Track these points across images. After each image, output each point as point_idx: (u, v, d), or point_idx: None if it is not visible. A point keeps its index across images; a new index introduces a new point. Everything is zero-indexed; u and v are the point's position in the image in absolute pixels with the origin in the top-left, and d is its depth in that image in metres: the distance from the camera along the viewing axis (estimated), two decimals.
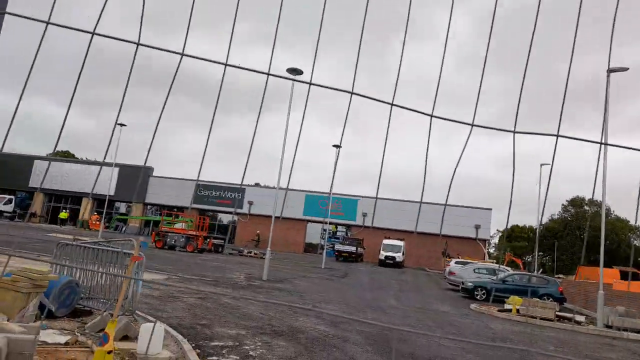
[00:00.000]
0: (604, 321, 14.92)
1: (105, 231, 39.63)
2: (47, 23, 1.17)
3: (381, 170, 1.41)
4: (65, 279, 8.18)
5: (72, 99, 1.25)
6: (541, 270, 45.95)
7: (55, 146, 1.25)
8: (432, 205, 43.33)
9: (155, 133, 1.29)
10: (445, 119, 1.34)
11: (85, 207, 50.62)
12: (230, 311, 10.20)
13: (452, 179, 1.44)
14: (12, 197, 47.31)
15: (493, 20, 1.25)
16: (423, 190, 1.46)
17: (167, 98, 1.26)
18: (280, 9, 1.27)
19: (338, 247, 40.60)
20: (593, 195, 1.40)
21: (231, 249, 36.15)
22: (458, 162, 1.45)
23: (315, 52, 1.35)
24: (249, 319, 9.67)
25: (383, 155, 1.39)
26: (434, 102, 1.35)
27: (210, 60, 1.26)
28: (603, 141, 1.42)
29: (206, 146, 1.35)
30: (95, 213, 48.44)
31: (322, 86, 1.30)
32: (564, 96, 1.38)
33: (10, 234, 25.70)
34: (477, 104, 1.39)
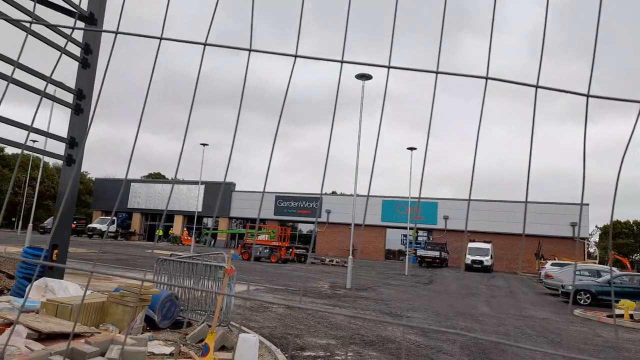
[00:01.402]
0: None
1: (197, 245, 42.08)
2: (116, 33, 1.19)
3: (473, 170, 1.29)
4: (166, 292, 8.72)
5: (139, 124, 1.27)
6: None
7: (127, 169, 1.27)
8: (521, 204, 40.97)
9: (232, 149, 1.28)
10: (553, 89, 1.11)
11: (177, 224, 54.19)
12: (318, 320, 10.26)
13: (584, 172, 1.27)
14: (115, 218, 51.99)
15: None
16: (528, 188, 1.31)
17: (239, 112, 1.24)
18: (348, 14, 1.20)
19: (421, 252, 39.59)
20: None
21: (313, 258, 36.65)
22: (584, 146, 1.28)
23: (392, 39, 1.26)
24: (338, 328, 9.66)
25: (476, 147, 1.27)
26: (539, 71, 1.17)
27: (279, 53, 1.22)
28: None
29: (271, 157, 1.31)
30: (186, 229, 51.67)
31: (402, 68, 1.19)
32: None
33: (115, 252, 28.07)
34: (592, 68, 1.18)
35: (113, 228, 50.89)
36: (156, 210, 55.31)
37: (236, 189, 53.72)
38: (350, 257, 19.34)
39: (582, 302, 18.15)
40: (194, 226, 39.20)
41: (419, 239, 47.04)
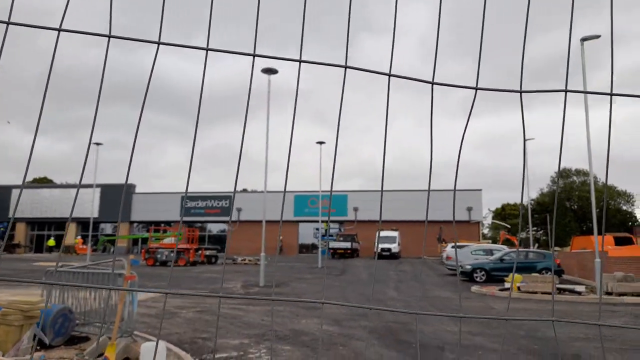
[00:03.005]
0: (604, 288, 15.03)
1: (93, 254, 38.94)
2: (8, 23, 1.01)
3: (384, 164, 1.27)
4: (57, 307, 7.92)
5: (39, 121, 1.08)
6: (537, 245, 46.42)
7: (25, 174, 1.08)
8: (422, 193, 43.54)
9: (133, 148, 1.13)
10: (447, 84, 1.20)
11: (69, 232, 49.72)
12: (230, 321, 10.00)
13: (459, 157, 1.30)
14: None
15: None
16: (430, 177, 1.33)
17: (142, 109, 1.10)
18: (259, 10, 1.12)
19: (332, 244, 40.46)
20: (609, 138, 1.29)
21: (225, 258, 35.82)
22: (463, 135, 1.32)
23: (302, 34, 1.20)
24: (251, 327, 9.48)
25: (385, 141, 1.25)
26: (434, 69, 1.22)
27: (190, 47, 1.11)
28: (611, 92, 1.32)
29: (192, 156, 1.19)
30: (80, 237, 47.58)
31: (314, 62, 1.17)
32: (568, 53, 1.26)
33: None
34: (479, 65, 1.26)
35: None
36: (44, 219, 50.26)
37: (137, 191, 50.70)
38: (263, 254, 19.16)
39: (478, 279, 19.74)
40: (90, 233, 36.33)
41: (331, 231, 48.08)
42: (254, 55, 1.16)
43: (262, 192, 38.04)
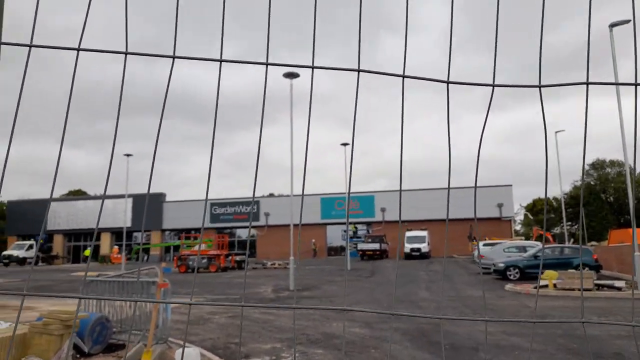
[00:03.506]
0: None
1: (128, 263, 39.96)
2: (30, 46, 1.06)
3: (400, 162, 1.26)
4: (94, 315, 8.15)
5: (63, 136, 1.13)
6: (572, 240, 45.05)
7: (52, 187, 1.13)
8: (451, 190, 42.80)
9: (154, 157, 1.16)
10: (462, 83, 1.18)
11: (104, 242, 51.18)
12: (262, 326, 10.08)
13: (478, 154, 1.29)
14: (33, 242, 47.89)
15: None
16: (450, 175, 1.31)
17: (161, 120, 1.13)
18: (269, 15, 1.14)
19: (361, 246, 40.27)
20: (635, 133, 1.24)
21: (255, 263, 36.16)
22: (482, 131, 1.30)
23: (314, 42, 1.21)
24: (283, 331, 9.53)
25: (402, 142, 1.24)
26: (449, 68, 1.21)
27: (204, 59, 1.13)
28: (637, 82, 1.26)
29: (210, 163, 1.21)
30: (115, 246, 48.87)
31: (325, 68, 1.17)
32: (588, 43, 1.22)
33: (36, 278, 26.01)
34: (495, 63, 1.24)
35: (32, 253, 46.90)
36: (80, 230, 51.85)
37: (167, 200, 51.73)
38: (292, 257, 19.25)
39: (511, 277, 19.28)
40: (124, 242, 37.26)
41: (359, 232, 47.89)
42: (267, 64, 1.17)
43: (288, 196, 38.35)
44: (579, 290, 10.07)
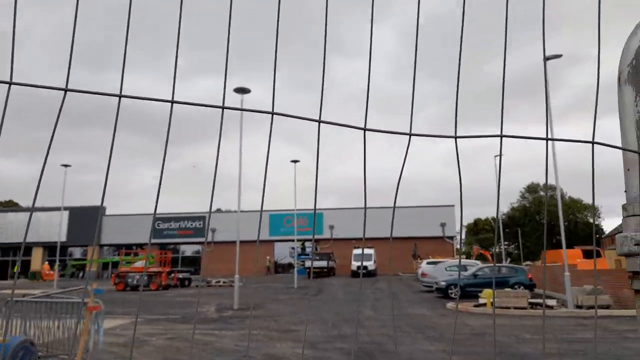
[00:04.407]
0: (574, 302, 15.32)
1: (61, 280, 37.53)
2: (10, 83, 0.98)
3: (365, 183, 1.24)
4: (17, 339, 7.54)
5: None
6: (509, 259, 47.23)
7: None
8: (397, 210, 43.80)
9: (108, 171, 1.08)
10: (425, 135, 1.20)
11: (35, 257, 47.90)
12: (202, 348, 9.72)
13: (398, 184, 1.31)
14: None
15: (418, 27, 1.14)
16: (396, 197, 1.31)
17: (113, 138, 1.06)
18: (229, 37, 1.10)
19: (308, 263, 40.15)
20: (547, 182, 1.30)
21: (199, 280, 35.08)
22: (401, 173, 1.32)
23: (275, 69, 1.19)
24: (224, 353, 9.23)
25: (365, 191, 1.23)
26: (411, 120, 1.24)
27: (154, 99, 1.07)
28: (548, 137, 1.33)
29: (160, 178, 1.14)
30: (47, 262, 45.86)
31: (286, 115, 1.16)
32: (503, 94, 1.28)
33: None
34: (412, 114, 1.28)
35: None
36: (9, 244, 48.29)
37: (107, 213, 49.39)
38: (237, 275, 18.84)
39: (453, 295, 19.84)
40: (57, 258, 35.04)
41: (307, 250, 47.76)
42: (272, 114, 1.15)
43: (235, 211, 37.76)
44: (514, 308, 10.47)
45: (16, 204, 63.11)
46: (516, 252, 59.51)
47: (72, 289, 8.87)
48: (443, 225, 44.58)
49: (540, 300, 16.27)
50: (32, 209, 1.08)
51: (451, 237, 45.36)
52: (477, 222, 71.00)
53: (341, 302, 19.93)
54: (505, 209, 62.95)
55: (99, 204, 49.81)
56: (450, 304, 17.56)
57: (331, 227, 46.74)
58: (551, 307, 15.42)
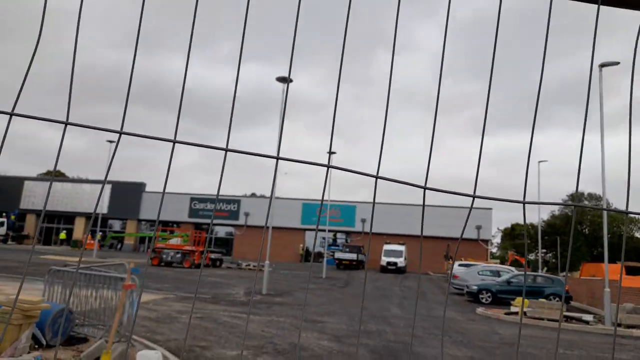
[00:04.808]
0: (613, 320, 14.67)
1: (100, 250, 39.19)
2: (11, 114, 1.00)
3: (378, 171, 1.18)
4: (57, 307, 7.90)
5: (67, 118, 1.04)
6: (545, 268, 45.69)
7: (55, 166, 1.04)
8: (432, 208, 43.23)
9: (116, 148, 1.05)
10: (437, 190, 1.14)
11: (78, 226, 50.14)
12: (230, 330, 9.90)
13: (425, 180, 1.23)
14: (4, 220, 46.66)
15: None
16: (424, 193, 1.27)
17: (125, 111, 1.03)
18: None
19: (338, 255, 40.21)
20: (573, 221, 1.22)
21: (230, 262, 35.80)
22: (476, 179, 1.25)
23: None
24: (250, 337, 9.37)
25: (374, 197, 1.20)
26: (427, 176, 1.15)
27: (208, 146, 1.08)
28: (525, 200, 1.28)
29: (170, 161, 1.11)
30: (89, 233, 48.02)
31: (340, 168, 1.17)
32: (530, 145, 1.20)
33: (4, 258, 25.28)
34: (428, 167, 1.24)
35: (3, 231, 45.65)
36: (55, 212, 50.72)
37: (147, 190, 50.97)
38: (267, 261, 19.08)
39: (484, 300, 19.41)
40: (98, 229, 36.55)
41: (338, 241, 47.85)
42: (277, 158, 1.13)
43: (269, 197, 38.17)
44: (548, 319, 10.14)
45: (63, 174, 66.11)
46: (553, 261, 57.57)
47: (112, 263, 9.20)
48: (479, 227, 43.59)
49: (576, 315, 15.68)
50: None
51: (486, 241, 44.32)
52: (514, 226, 68.97)
53: (369, 296, 19.86)
54: (545, 216, 60.85)
55: (140, 180, 51.55)
56: (480, 309, 17.18)
57: (363, 221, 46.56)
58: (587, 323, 14.83)
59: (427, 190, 1.08)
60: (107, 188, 45.45)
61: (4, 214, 47.26)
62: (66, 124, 0.92)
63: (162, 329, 9.55)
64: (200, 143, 0.99)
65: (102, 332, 7.88)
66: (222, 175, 1.04)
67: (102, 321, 8.23)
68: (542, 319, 14.68)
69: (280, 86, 19.43)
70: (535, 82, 1.16)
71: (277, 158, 1.05)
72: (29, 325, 7.10)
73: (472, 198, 1.08)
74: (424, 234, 45.00)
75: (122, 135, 0.93)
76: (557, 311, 14.78)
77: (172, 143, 0.95)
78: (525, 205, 1.14)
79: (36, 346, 7.33)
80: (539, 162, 35.68)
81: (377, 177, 1.09)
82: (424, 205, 1.10)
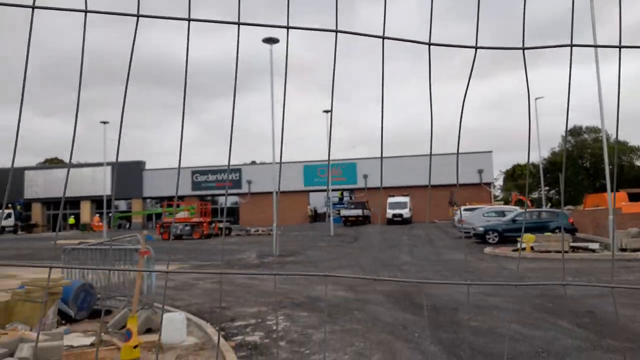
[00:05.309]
0: (618, 245, 14.99)
1: (109, 231, 39.70)
2: (33, 7, 1.01)
3: (382, 128, 1.22)
4: (78, 283, 8.13)
5: (78, 108, 1.04)
6: (549, 204, 46.21)
7: (71, 155, 1.06)
8: (433, 157, 43.22)
9: (121, 125, 1.10)
10: (445, 45, 1.12)
11: (84, 210, 50.60)
12: (247, 290, 10.19)
13: (461, 118, 1.26)
14: (11, 211, 47.06)
15: None
16: (432, 142, 1.29)
17: (126, 86, 1.07)
18: None
19: (344, 212, 40.65)
20: (603, 118, 1.23)
21: (238, 229, 36.32)
22: (465, 95, 1.27)
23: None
24: (267, 295, 9.66)
25: (382, 105, 1.21)
26: (430, 30, 1.12)
27: (171, 18, 1.07)
28: (620, 44, 1.26)
29: (182, 129, 1.16)
30: (97, 215, 48.52)
31: (302, 28, 1.13)
32: (573, 5, 1.20)
33: (16, 247, 25.68)
34: (478, 23, 1.19)
35: (11, 222, 46.16)
36: (58, 198, 51.13)
37: (147, 167, 51.07)
38: (275, 224, 19.35)
39: (491, 240, 19.77)
40: (104, 210, 36.91)
41: (344, 200, 48.21)
42: (239, 24, 1.08)
43: (270, 163, 38.14)
44: (556, 252, 10.37)
45: (61, 161, 66.09)
46: (557, 197, 58.12)
47: (124, 237, 9.37)
48: (480, 171, 43.77)
49: (582, 244, 16.01)
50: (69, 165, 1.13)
51: (489, 184, 44.63)
52: (515, 168, 69.24)
53: (377, 248, 20.27)
54: (546, 153, 60.92)
55: (140, 159, 51.53)
56: (488, 249, 17.54)
57: (365, 177, 46.75)
58: (593, 251, 15.17)
59: (432, 149, 1.10)
60: (108, 169, 45.48)
61: (9, 205, 47.57)
62: (86, 12, 0.95)
63: (182, 295, 9.84)
64: (165, 16, 1.01)
65: (124, 303, 8.14)
66: (188, 46, 1.07)
67: (122, 294, 8.47)
68: (549, 251, 15.01)
69: (268, 48, 19.07)
70: (529, 12, 1.17)
71: (287, 27, 1.06)
72: (54, 302, 7.33)
73: (474, 50, 1.10)
74: (426, 183, 45.08)
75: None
76: (564, 243, 15.08)
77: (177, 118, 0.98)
78: (530, 146, 1.18)
79: (63, 321, 7.59)
80: (536, 99, 35.40)
81: (383, 38, 1.07)
82: (429, 65, 1.12)
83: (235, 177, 49.26)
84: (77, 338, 6.82)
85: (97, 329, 7.35)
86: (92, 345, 6.48)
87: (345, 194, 48.96)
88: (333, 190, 43.01)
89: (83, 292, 7.90)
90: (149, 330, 7.02)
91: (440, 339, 6.16)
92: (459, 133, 1.32)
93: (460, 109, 1.23)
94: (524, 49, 1.12)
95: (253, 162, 56.70)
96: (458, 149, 1.27)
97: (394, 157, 44.80)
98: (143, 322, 6.94)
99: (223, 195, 50.38)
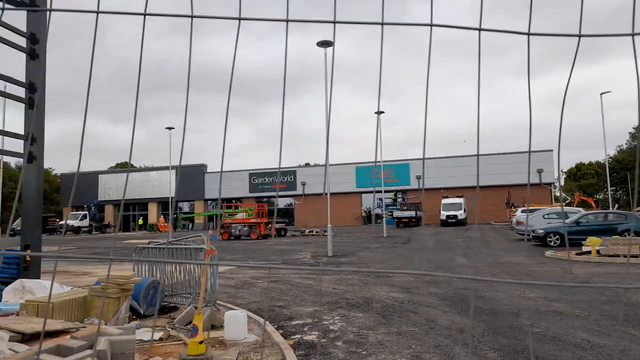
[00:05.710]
0: None
1: (175, 231, 41.74)
2: (49, 10, 1.16)
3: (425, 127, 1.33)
4: (148, 280, 8.70)
5: (135, 114, 1.27)
6: (617, 206, 43.43)
7: (130, 158, 1.28)
8: (489, 157, 42.00)
9: (185, 130, 1.28)
10: (496, 30, 1.08)
11: (152, 211, 53.44)
12: (304, 290, 10.46)
13: (530, 113, 1.31)
14: (87, 212, 50.66)
15: None
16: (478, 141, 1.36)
17: (187, 90, 1.24)
18: None
19: (397, 213, 40.32)
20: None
21: (293, 230, 36.98)
22: (529, 88, 1.31)
23: None
24: (324, 295, 9.87)
25: (426, 102, 1.30)
26: (481, 14, 1.10)
27: (222, 17, 1.17)
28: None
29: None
30: (162, 216, 51.24)
31: (348, 22, 1.16)
32: None
33: (91, 246, 27.58)
34: (531, 8, 1.12)
35: (86, 223, 49.71)
36: (129, 200, 54.46)
37: (208, 171, 53.14)
38: (329, 225, 19.59)
39: (552, 243, 18.97)
40: (170, 212, 38.91)
41: (398, 201, 47.81)
42: (287, 21, 1.11)
43: (323, 165, 38.48)
44: (624, 256, 9.89)
45: (132, 165, 70.39)
46: (625, 197, 54.51)
47: (190, 236, 9.92)
48: (540, 171, 41.94)
49: None
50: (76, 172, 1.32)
51: (549, 184, 42.66)
52: (579, 166, 65.61)
53: (431, 250, 19.99)
54: (612, 151, 57.27)
55: (201, 162, 53.71)
56: (549, 252, 16.85)
57: (418, 178, 46.12)
58: None
59: (478, 138, 1.14)
60: (173, 173, 48.08)
61: (85, 207, 51.27)
62: (145, 15, 1.08)
63: (242, 293, 10.26)
64: (216, 15, 1.11)
65: (189, 300, 8.63)
66: (236, 47, 1.15)
67: (188, 291, 8.98)
68: (617, 255, 14.21)
69: (320, 53, 19.37)
70: (586, 10, 1.12)
71: (334, 22, 1.13)
72: (126, 298, 7.89)
73: (527, 36, 1.09)
74: (481, 184, 43.71)
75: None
76: (634, 246, 14.24)
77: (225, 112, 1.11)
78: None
79: (134, 317, 8.15)
80: (601, 94, 33.47)
81: (431, 25, 1.07)
82: (479, 50, 1.17)
83: (290, 179, 50.17)
84: (146, 333, 7.30)
85: (165, 324, 7.84)
86: (160, 339, 6.92)
87: (398, 195, 48.51)
88: (386, 191, 42.72)
89: (152, 289, 8.45)
90: (212, 327, 7.42)
91: (500, 345, 6.09)
92: (530, 129, 1.28)
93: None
94: (580, 35, 1.07)
95: (307, 164, 57.49)
96: (530, 146, 1.26)
97: (447, 157, 43.87)
98: (207, 318, 7.34)
99: (280, 197, 51.53)
